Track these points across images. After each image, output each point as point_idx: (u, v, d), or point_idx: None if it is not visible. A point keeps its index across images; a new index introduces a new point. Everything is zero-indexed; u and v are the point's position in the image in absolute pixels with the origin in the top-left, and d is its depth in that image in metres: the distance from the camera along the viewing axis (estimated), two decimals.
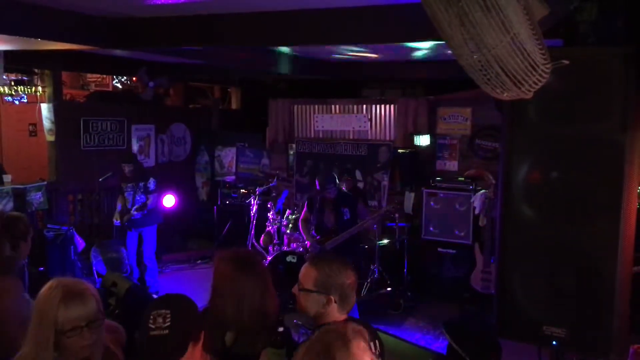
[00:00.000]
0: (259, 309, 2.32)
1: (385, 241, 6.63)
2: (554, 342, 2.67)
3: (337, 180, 5.54)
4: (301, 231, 5.74)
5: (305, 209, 5.70)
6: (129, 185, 6.53)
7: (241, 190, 8.21)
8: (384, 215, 5.48)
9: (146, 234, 6.62)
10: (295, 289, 2.28)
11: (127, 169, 6.50)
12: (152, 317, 1.76)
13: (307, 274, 2.26)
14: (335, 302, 2.20)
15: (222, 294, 2.36)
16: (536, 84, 1.51)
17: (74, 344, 1.95)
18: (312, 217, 5.60)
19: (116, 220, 6.65)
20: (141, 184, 6.48)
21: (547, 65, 1.54)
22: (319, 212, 5.52)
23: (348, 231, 5.31)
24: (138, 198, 6.46)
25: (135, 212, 6.39)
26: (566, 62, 1.80)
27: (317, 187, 5.47)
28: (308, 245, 5.57)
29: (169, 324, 1.74)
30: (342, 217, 5.39)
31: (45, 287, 2.01)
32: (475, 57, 1.38)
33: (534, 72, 1.46)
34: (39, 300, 1.99)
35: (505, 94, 1.52)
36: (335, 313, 2.22)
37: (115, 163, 7.82)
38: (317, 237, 5.53)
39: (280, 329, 2.08)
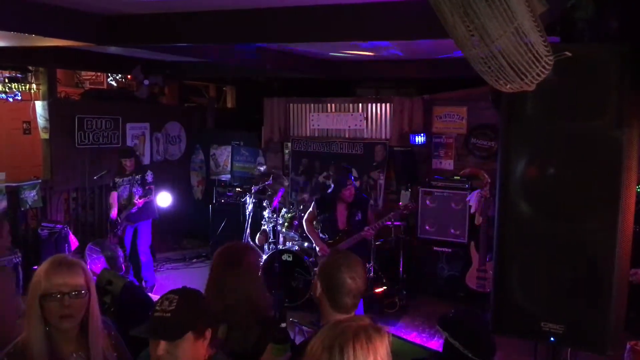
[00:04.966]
0: (245, 302, 2.33)
1: (381, 240, 6.62)
2: (552, 338, 2.68)
3: (353, 179, 5.40)
4: (308, 233, 5.57)
5: (311, 209, 5.56)
6: (124, 179, 6.47)
7: (236, 189, 8.20)
8: (402, 213, 5.56)
9: (141, 229, 6.59)
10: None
11: (128, 163, 6.44)
12: (160, 300, 1.85)
13: None
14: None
15: (207, 286, 2.44)
16: (539, 75, 1.51)
17: (53, 310, 1.95)
18: (320, 218, 5.47)
19: (112, 215, 6.53)
20: (138, 177, 6.43)
21: (550, 57, 1.54)
22: (329, 211, 5.38)
23: (361, 232, 5.22)
24: (135, 190, 6.40)
25: (138, 201, 6.29)
26: (569, 53, 1.80)
27: (333, 186, 5.35)
28: (319, 250, 5.41)
29: (173, 307, 1.81)
30: (353, 218, 5.29)
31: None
32: (478, 49, 1.38)
33: (537, 64, 1.46)
34: (35, 274, 2.02)
35: (508, 86, 1.53)
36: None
37: (110, 161, 7.81)
38: (326, 238, 5.41)
39: (283, 325, 2.13)
